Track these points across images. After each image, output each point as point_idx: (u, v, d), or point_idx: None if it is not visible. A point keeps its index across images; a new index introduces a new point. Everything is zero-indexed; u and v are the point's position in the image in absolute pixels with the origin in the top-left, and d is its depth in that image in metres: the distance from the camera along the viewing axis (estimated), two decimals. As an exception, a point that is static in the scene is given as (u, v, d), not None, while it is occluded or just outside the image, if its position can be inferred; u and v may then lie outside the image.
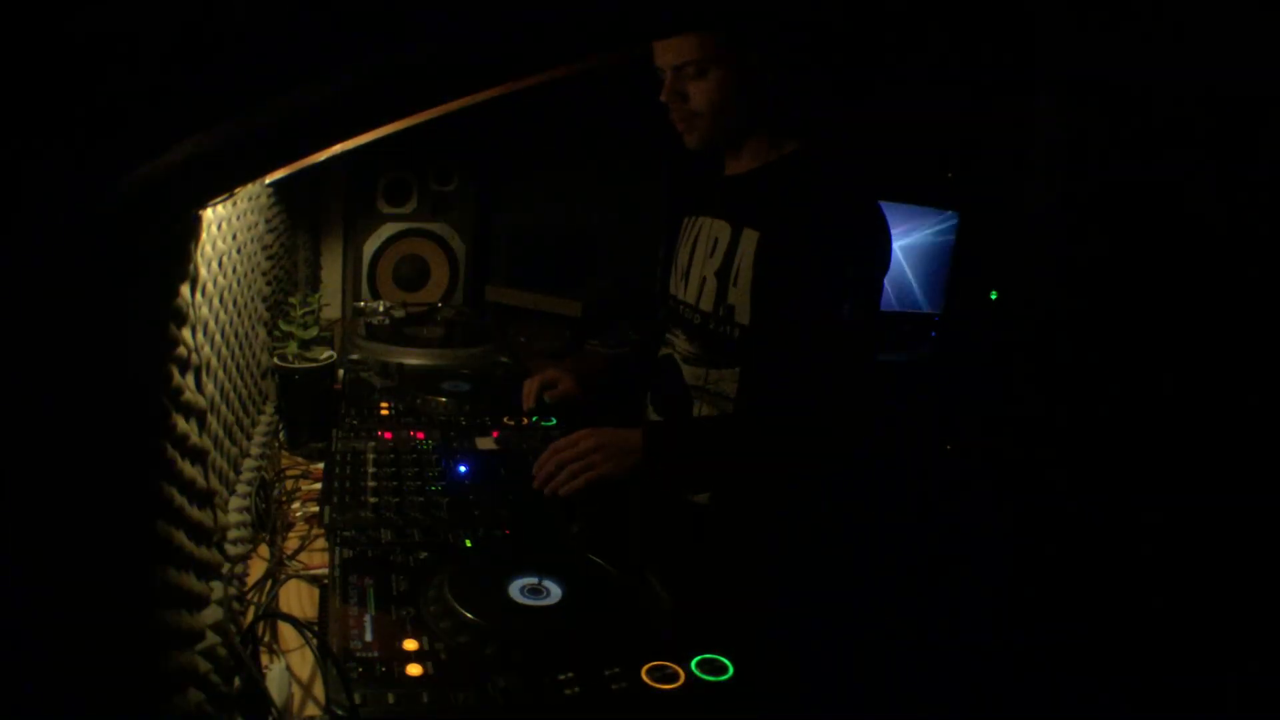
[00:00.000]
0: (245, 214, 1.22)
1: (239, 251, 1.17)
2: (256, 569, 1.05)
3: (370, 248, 2.37)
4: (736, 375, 1.33)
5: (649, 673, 0.80)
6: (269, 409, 1.46)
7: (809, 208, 1.26)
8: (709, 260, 1.37)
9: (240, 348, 1.18)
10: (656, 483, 1.26)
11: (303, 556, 1.13)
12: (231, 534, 0.98)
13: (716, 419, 1.35)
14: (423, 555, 0.99)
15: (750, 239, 1.29)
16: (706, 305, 1.36)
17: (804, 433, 1.22)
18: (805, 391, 1.24)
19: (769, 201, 1.30)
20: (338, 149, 1.09)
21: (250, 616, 0.94)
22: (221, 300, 1.03)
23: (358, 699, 0.72)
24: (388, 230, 2.37)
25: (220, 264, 1.02)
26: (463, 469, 1.26)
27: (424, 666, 0.78)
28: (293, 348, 1.49)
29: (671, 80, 1.31)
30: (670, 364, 1.44)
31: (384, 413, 1.49)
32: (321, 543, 1.13)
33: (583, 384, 1.60)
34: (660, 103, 1.34)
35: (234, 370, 1.13)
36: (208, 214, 0.89)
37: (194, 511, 0.77)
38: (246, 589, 0.98)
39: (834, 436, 1.23)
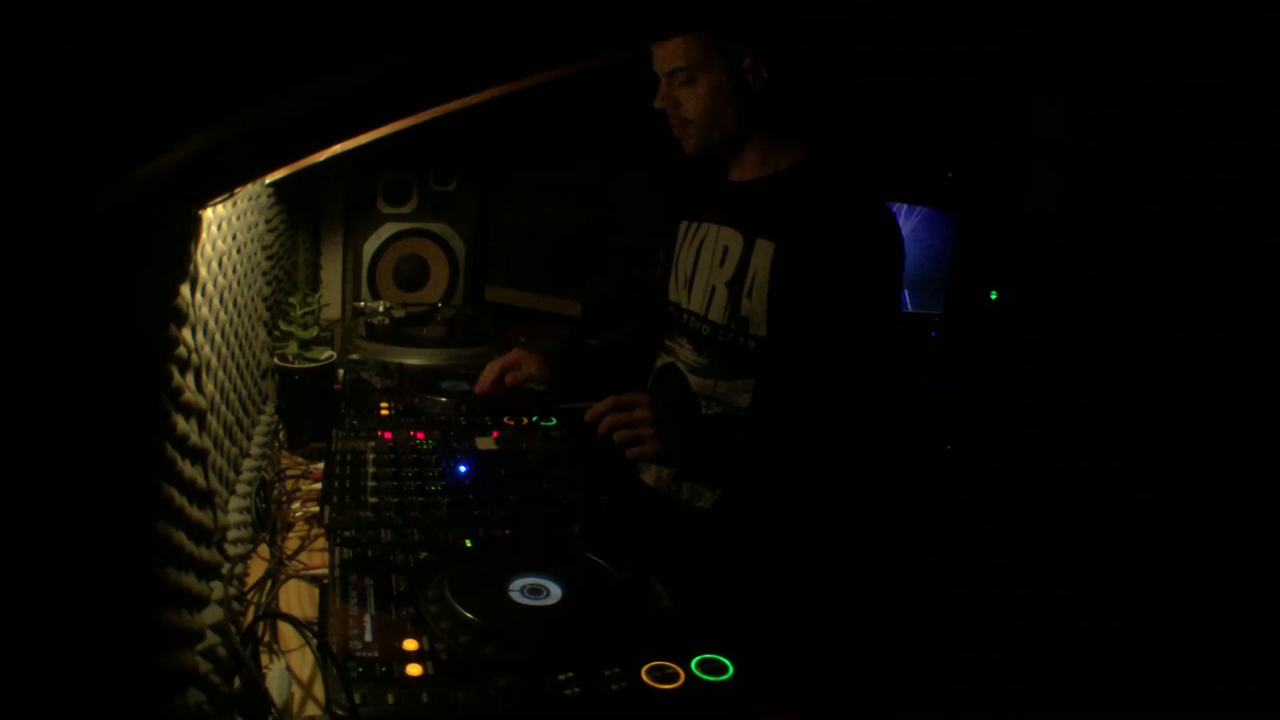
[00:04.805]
0: (245, 214, 1.22)
1: (239, 251, 1.17)
2: (256, 569, 1.05)
3: (370, 248, 2.37)
4: (749, 386, 1.31)
5: (649, 673, 0.80)
6: (269, 409, 1.46)
7: (827, 218, 1.24)
8: (718, 269, 1.34)
9: (240, 348, 1.18)
10: (693, 475, 1.28)
11: (303, 556, 1.13)
12: (231, 534, 0.98)
13: (763, 425, 1.32)
14: (423, 555, 0.99)
15: (765, 250, 1.28)
16: (717, 316, 1.34)
17: (848, 441, 1.22)
18: (842, 403, 1.23)
19: (783, 211, 1.29)
20: (338, 149, 1.08)
21: (250, 616, 0.94)
22: (221, 300, 1.03)
23: (358, 699, 0.72)
24: (388, 230, 2.37)
25: (220, 264, 1.02)
26: (463, 469, 1.26)
27: (424, 666, 0.78)
28: (293, 348, 1.48)
29: (665, 87, 1.30)
30: (674, 373, 1.42)
31: (384, 413, 1.49)
32: (321, 543, 1.13)
33: (550, 367, 1.53)
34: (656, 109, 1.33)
35: (234, 370, 1.13)
36: (208, 214, 0.89)
37: (194, 511, 0.77)
38: (246, 589, 0.98)
39: (874, 444, 1.23)
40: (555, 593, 0.91)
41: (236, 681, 0.78)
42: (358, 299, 2.35)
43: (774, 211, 1.30)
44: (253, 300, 1.32)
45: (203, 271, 0.88)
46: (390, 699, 0.73)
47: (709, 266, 1.36)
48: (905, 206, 3.12)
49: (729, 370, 1.33)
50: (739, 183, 1.38)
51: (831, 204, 1.26)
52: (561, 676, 0.78)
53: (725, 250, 1.34)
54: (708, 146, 1.32)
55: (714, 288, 1.35)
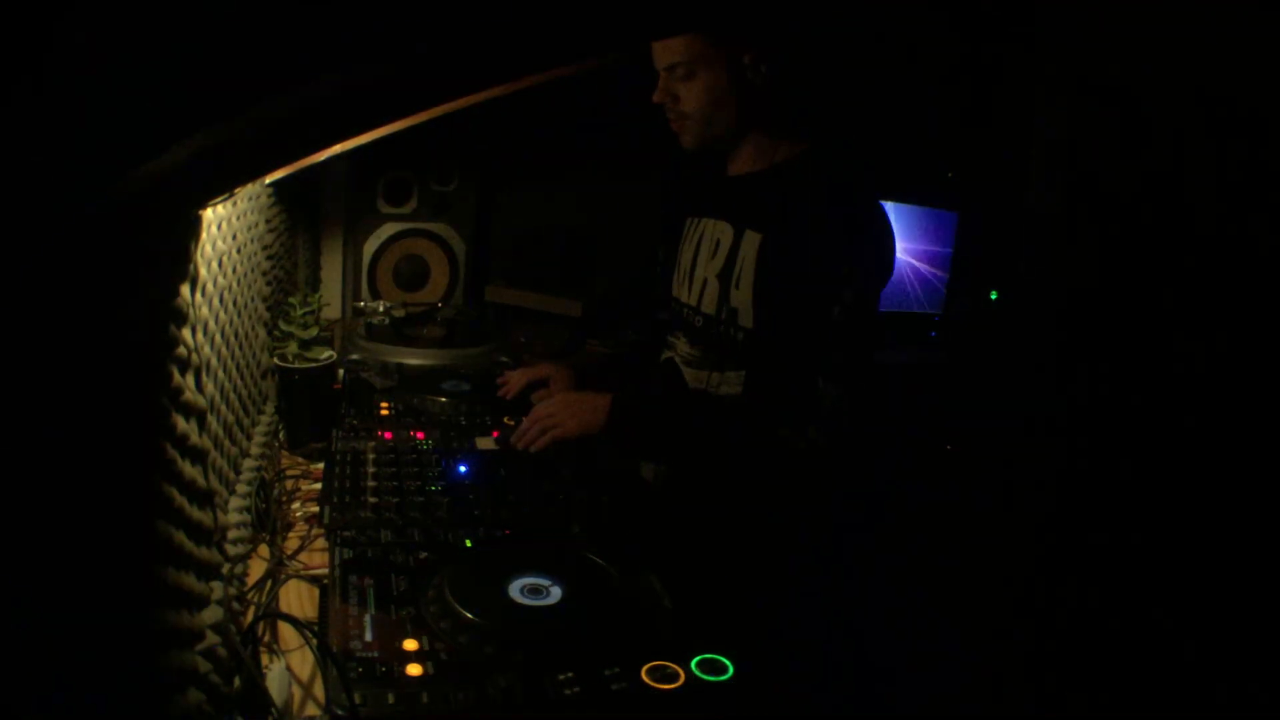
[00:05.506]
0: (245, 214, 1.22)
1: (239, 251, 1.17)
2: (256, 569, 1.05)
3: (370, 248, 2.37)
4: (741, 378, 1.32)
5: (649, 673, 0.80)
6: (269, 409, 1.46)
7: (810, 210, 1.25)
8: (711, 262, 1.35)
9: (240, 348, 1.18)
10: (618, 446, 1.30)
11: (303, 556, 1.13)
12: (231, 534, 0.98)
13: (686, 393, 1.35)
14: (423, 555, 0.99)
15: (752, 241, 1.28)
16: (709, 308, 1.35)
17: (768, 421, 1.22)
18: (789, 389, 1.23)
19: (772, 204, 1.29)
20: (338, 149, 1.08)
21: (250, 616, 0.94)
22: (221, 300, 1.03)
23: (358, 699, 0.72)
24: (388, 230, 2.37)
25: (220, 264, 1.02)
26: (463, 469, 1.26)
27: (424, 666, 0.78)
28: (293, 348, 1.48)
29: (663, 82, 1.31)
30: (672, 368, 1.43)
31: (384, 413, 1.49)
32: (321, 543, 1.13)
33: (578, 383, 1.56)
34: (654, 103, 1.33)
35: (234, 370, 1.13)
36: (208, 214, 0.89)
37: (194, 511, 0.77)
38: (246, 589, 0.98)
39: (800, 429, 1.21)
40: (555, 593, 0.91)
41: (236, 681, 0.78)
42: (358, 299, 2.35)
43: (764, 203, 1.30)
44: (253, 300, 1.32)
45: (203, 271, 0.88)
46: (390, 699, 0.73)
47: (704, 260, 1.38)
48: (906, 206, 3.11)
49: (720, 362, 1.33)
50: (734, 177, 1.39)
51: (819, 196, 1.26)
52: (561, 676, 0.78)
53: (718, 243, 1.35)
54: (705, 141, 1.33)
55: (706, 280, 1.36)
